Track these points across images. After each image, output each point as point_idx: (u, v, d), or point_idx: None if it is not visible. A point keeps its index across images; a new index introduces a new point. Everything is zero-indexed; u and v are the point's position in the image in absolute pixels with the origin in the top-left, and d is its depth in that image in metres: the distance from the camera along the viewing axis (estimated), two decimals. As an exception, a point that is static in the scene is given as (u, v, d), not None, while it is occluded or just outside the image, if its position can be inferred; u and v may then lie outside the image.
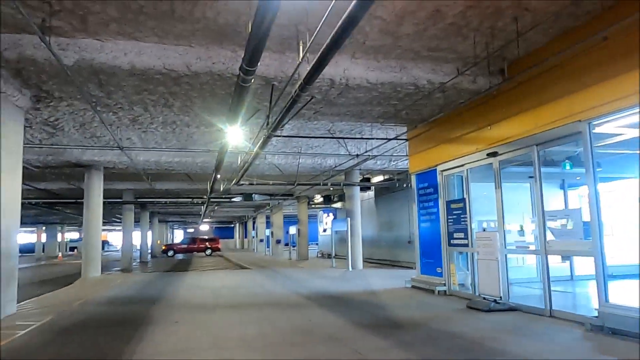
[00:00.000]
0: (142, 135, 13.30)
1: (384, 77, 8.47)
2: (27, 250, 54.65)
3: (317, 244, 37.55)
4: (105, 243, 59.20)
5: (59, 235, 51.74)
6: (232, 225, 67.92)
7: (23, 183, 20.73)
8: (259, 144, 10.87)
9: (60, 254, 44.97)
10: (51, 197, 25.11)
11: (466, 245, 10.15)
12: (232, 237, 68.19)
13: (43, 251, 50.15)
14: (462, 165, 10.35)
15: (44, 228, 50.48)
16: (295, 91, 6.86)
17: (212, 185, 18.31)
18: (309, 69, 6.23)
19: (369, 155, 13.87)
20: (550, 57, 7.04)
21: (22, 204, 24.12)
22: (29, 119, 11.26)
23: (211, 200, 24.58)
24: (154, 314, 8.09)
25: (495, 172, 9.21)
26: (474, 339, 6.05)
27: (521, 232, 10.52)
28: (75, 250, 55.64)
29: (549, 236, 7.88)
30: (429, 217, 11.85)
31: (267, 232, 36.38)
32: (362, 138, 13.02)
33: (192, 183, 22.60)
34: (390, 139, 12.84)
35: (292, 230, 29.27)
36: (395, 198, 20.93)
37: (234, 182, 17.80)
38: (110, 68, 7.42)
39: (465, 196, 10.26)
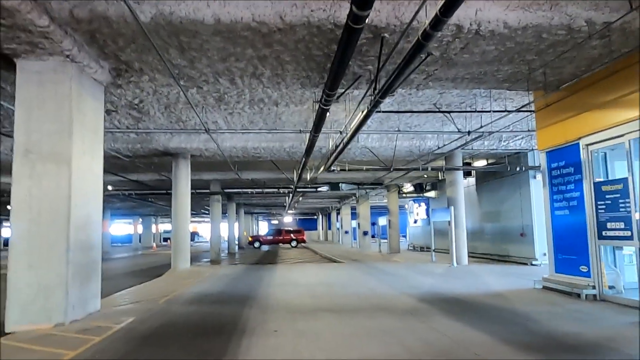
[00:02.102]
0: (228, 117, 12.29)
1: (528, 18, 6.48)
2: (125, 241, 58.27)
3: (403, 236, 35.48)
4: (195, 234, 61.47)
5: (154, 227, 54.18)
6: (315, 217, 67.52)
7: (115, 174, 21.17)
8: (358, 119, 9.31)
9: (154, 245, 46.95)
10: (143, 188, 25.57)
11: (629, 237, 7.88)
12: (315, 229, 67.80)
13: (140, 242, 52.78)
14: (621, 136, 8.05)
15: (140, 220, 53.09)
16: (424, 32, 5.17)
17: (300, 172, 17.08)
18: (439, 6, 4.56)
19: (482, 132, 11.76)
20: None
21: (116, 195, 24.79)
22: (113, 101, 10.61)
23: (297, 189, 23.54)
24: (247, 318, 6.84)
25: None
26: None
27: None
28: (168, 240, 58.06)
29: None
30: (566, 203, 9.61)
31: (354, 223, 34.94)
32: (479, 111, 10.94)
33: (278, 172, 21.66)
34: (511, 111, 10.68)
35: (382, 221, 27.52)
36: (502, 184, 18.43)
37: (321, 169, 16.47)
38: (191, 24, 6.20)
39: (627, 175, 7.94)
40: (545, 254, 16.16)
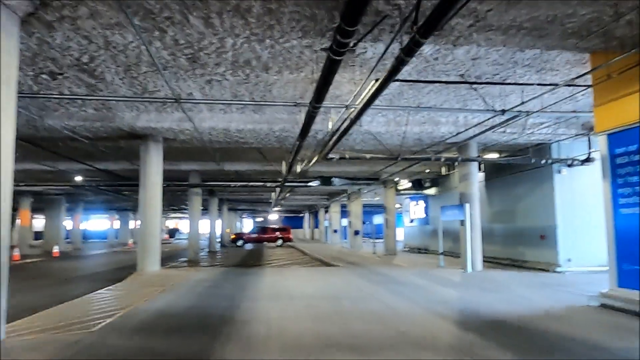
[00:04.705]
0: (206, 87, 9.90)
1: None
2: (101, 237, 55.48)
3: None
4: (175, 231, 58.83)
5: (131, 222, 51.20)
6: (302, 215, 65.27)
7: (80, 161, 18.50)
8: (372, 85, 7.03)
9: (130, 242, 44.05)
10: (114, 179, 22.98)
11: None
12: (301, 227, 65.61)
13: (116, 238, 49.85)
14: None
15: (116, 216, 50.16)
16: None
17: (291, 161, 14.70)
18: None
19: (519, 111, 9.58)
20: None
21: (82, 186, 22.00)
22: (55, 58, 8.16)
23: (286, 183, 21.17)
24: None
25: None
26: None
27: None
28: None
29: None
30: (639, 198, 7.48)
31: (344, 222, 32.72)
32: (520, 84, 8.74)
33: (265, 163, 19.32)
34: (557, 85, 8.52)
35: (377, 219, 25.30)
36: (517, 180, 16.33)
37: (315, 158, 14.14)
38: None
39: None
40: (570, 260, 14.16)
